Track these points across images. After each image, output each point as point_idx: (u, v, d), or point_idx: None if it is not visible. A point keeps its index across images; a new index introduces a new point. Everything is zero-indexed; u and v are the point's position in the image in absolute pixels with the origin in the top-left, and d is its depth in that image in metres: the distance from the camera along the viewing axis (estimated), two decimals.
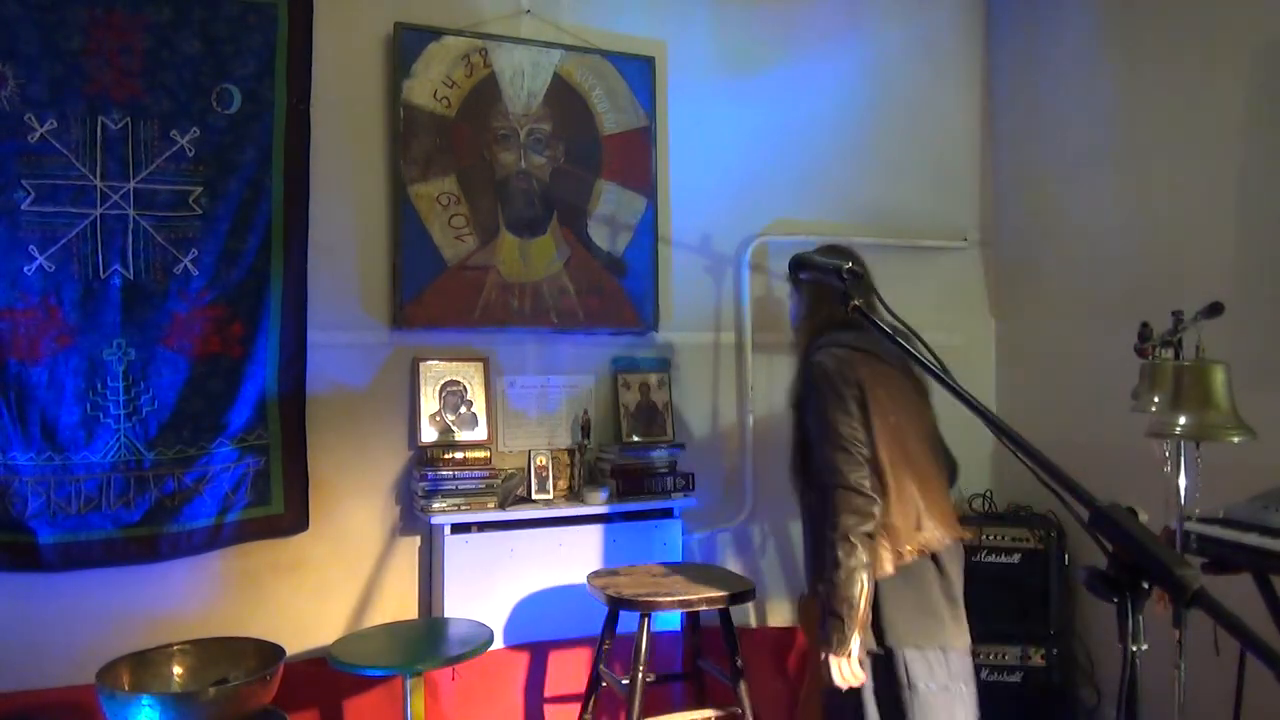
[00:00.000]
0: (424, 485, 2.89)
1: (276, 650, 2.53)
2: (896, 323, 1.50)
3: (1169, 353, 2.36)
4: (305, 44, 2.88)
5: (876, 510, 2.02)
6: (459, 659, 2.54)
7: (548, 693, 3.06)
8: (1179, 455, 2.36)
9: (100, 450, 2.62)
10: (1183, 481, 2.36)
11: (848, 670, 2.01)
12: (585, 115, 3.28)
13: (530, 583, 2.96)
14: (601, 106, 3.30)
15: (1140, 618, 0.96)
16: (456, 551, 2.88)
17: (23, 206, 2.55)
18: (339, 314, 2.98)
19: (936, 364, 1.28)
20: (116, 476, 2.63)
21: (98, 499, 2.61)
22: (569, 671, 3.04)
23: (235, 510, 2.77)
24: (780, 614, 3.50)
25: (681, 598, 2.54)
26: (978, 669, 3.21)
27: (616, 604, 2.57)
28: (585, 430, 3.19)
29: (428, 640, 2.71)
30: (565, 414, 3.24)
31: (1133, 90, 3.23)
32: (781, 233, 3.54)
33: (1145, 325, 2.38)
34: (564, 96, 3.24)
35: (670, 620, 3.06)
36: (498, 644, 2.84)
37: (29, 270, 2.56)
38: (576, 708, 2.85)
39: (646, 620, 2.54)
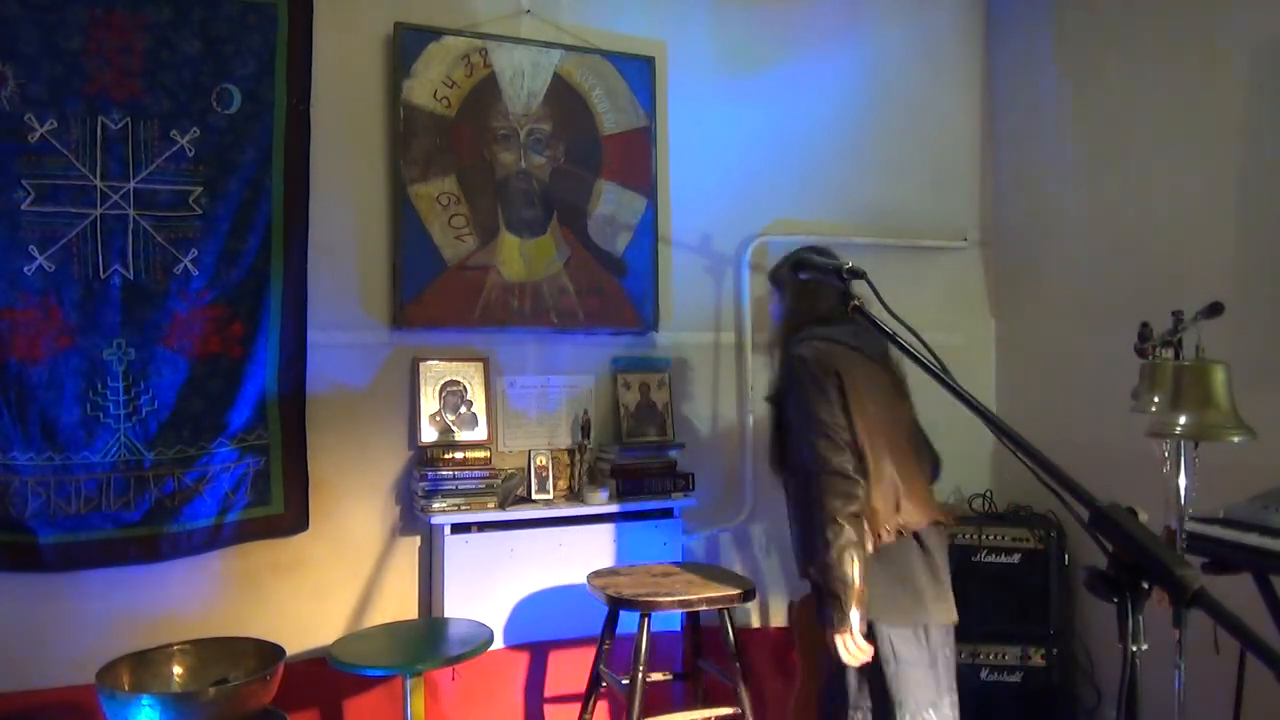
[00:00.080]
0: (424, 485, 2.89)
1: (276, 650, 2.53)
2: (894, 322, 1.50)
3: (1169, 353, 2.36)
4: (305, 44, 2.88)
5: (860, 491, 2.12)
6: (459, 659, 2.54)
7: (548, 693, 3.06)
8: (1179, 455, 2.36)
9: (100, 450, 2.62)
10: (1182, 481, 2.35)
11: (853, 646, 2.11)
12: (585, 115, 3.27)
13: (530, 583, 2.96)
14: (601, 106, 3.30)
15: (1140, 618, 0.96)
16: (456, 551, 2.88)
17: (23, 206, 2.55)
18: (339, 314, 2.98)
19: (936, 364, 1.28)
20: (116, 476, 2.63)
21: (98, 499, 2.61)
22: (569, 671, 3.04)
23: (235, 510, 2.77)
24: (780, 614, 3.50)
25: (681, 598, 2.54)
26: (978, 669, 3.25)
27: (616, 604, 2.57)
28: (585, 430, 3.19)
29: (428, 640, 2.72)
30: (565, 414, 3.24)
31: (1133, 90, 3.23)
32: (781, 233, 3.54)
33: (1145, 325, 2.38)
34: (564, 96, 3.24)
35: (670, 620, 3.06)
36: (498, 644, 2.84)
37: (29, 270, 2.56)
38: (576, 708, 2.85)
39: (646, 620, 2.54)
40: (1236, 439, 2.22)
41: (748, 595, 2.61)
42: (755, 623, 3.49)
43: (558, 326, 3.21)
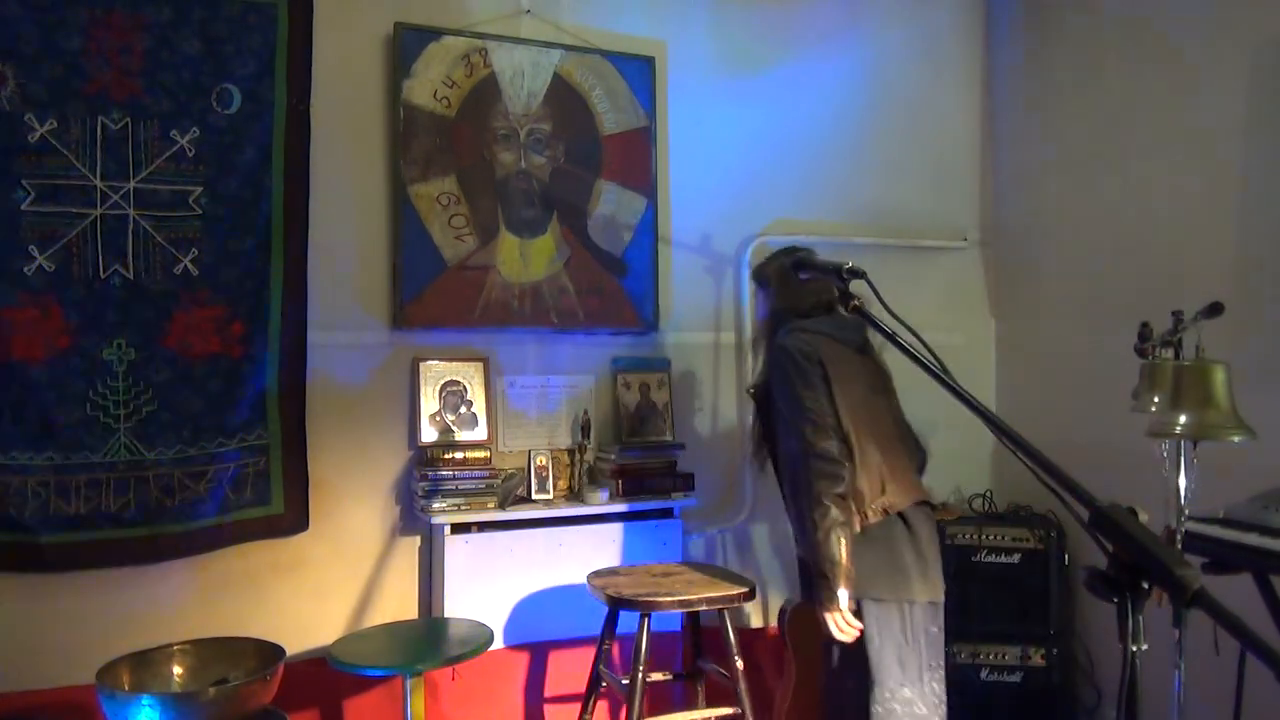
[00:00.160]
0: (424, 485, 2.89)
1: (276, 650, 2.53)
2: (894, 321, 1.49)
3: (1169, 353, 2.36)
4: (305, 44, 2.88)
5: (845, 473, 2.22)
6: (459, 659, 2.54)
7: (548, 693, 3.06)
8: (1179, 455, 2.36)
9: (100, 450, 2.62)
10: (1182, 481, 2.35)
11: (843, 623, 2.20)
12: (585, 115, 3.27)
13: (530, 583, 2.96)
14: (601, 106, 3.30)
15: (1140, 618, 0.96)
16: (456, 551, 2.88)
17: (23, 206, 2.55)
18: (339, 314, 2.98)
19: (936, 364, 1.27)
20: (116, 477, 2.63)
21: (98, 499, 2.61)
22: (569, 671, 3.04)
23: (235, 510, 2.77)
24: None
25: (681, 598, 2.53)
26: (978, 669, 3.25)
27: (616, 604, 2.57)
28: (585, 430, 3.19)
29: (428, 640, 2.72)
30: (565, 414, 3.24)
31: (1133, 90, 3.23)
32: (781, 233, 3.53)
33: (1145, 325, 2.38)
34: (564, 96, 3.24)
35: (670, 620, 3.06)
36: (498, 644, 2.84)
37: (29, 270, 2.56)
38: (576, 708, 2.85)
39: (646, 620, 2.54)
40: (1236, 439, 2.22)
41: (748, 595, 2.61)
42: (755, 623, 3.49)
43: (558, 326, 3.21)
